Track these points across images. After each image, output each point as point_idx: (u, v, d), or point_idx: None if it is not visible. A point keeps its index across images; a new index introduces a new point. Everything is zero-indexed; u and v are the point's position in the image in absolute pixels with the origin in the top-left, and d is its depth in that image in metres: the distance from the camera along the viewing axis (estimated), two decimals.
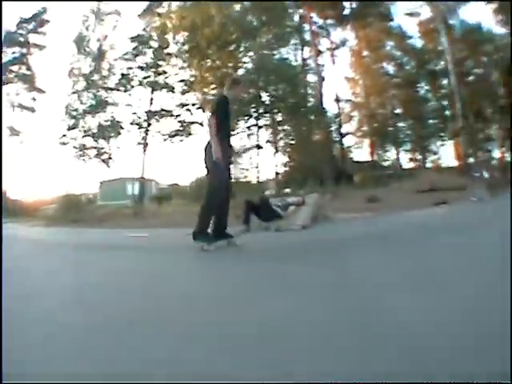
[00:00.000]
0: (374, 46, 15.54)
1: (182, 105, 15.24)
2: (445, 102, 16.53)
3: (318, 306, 1.27)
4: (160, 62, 15.80)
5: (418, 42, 17.15)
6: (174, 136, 15.10)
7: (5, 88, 17.15)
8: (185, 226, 6.49)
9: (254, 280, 1.85)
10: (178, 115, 15.22)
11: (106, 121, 16.26)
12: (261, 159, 14.64)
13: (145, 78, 15.83)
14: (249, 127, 14.39)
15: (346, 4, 16.52)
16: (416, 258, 2.09)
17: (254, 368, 0.83)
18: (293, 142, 14.66)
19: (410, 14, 17.32)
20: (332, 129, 15.57)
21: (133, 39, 16.55)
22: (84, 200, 16.93)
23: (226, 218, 3.22)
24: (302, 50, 15.82)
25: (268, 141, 14.73)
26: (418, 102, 15.72)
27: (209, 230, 3.13)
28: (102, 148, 16.08)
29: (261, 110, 14.40)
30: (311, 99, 15.11)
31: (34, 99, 18.45)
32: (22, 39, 18.17)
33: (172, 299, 1.53)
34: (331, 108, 16.17)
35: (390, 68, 16.09)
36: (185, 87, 15.37)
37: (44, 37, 19.12)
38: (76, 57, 17.84)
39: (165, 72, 15.70)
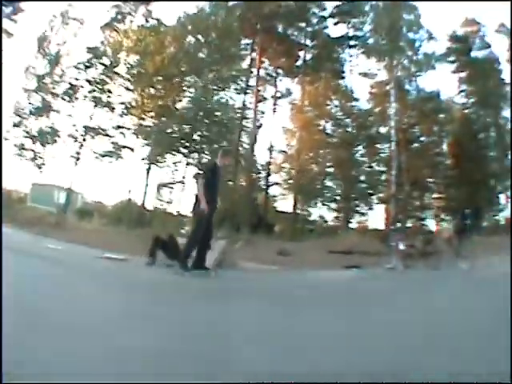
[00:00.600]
0: (317, 102, 15.61)
1: (118, 127, 15.39)
2: (381, 167, 16.67)
3: None
4: (107, 80, 15.93)
5: (364, 104, 17.27)
6: (104, 156, 15.27)
7: None
8: (99, 248, 6.98)
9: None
10: (113, 136, 15.39)
11: (47, 126, 16.45)
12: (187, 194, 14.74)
13: (90, 92, 15.98)
14: (175, 163, 14.54)
15: (301, 53, 16.68)
16: (277, 316, 2.22)
17: None
18: None
19: (365, 74, 17.38)
20: (260, 176, 15.78)
21: (89, 50, 16.68)
22: (15, 197, 17.19)
23: (205, 253, 4.15)
24: (245, 94, 15.94)
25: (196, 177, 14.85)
26: (351, 163, 15.84)
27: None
28: (39, 152, 16.30)
29: (190, 148, 14.55)
30: (245, 145, 15.30)
31: None
32: None
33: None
34: (264, 156, 16.25)
35: (329, 126, 16.16)
36: (124, 110, 15.50)
37: (15, 24, 19.21)
38: (35, 55, 17.98)
39: (109, 91, 15.82)
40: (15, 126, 16.84)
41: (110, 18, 17.54)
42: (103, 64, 16.07)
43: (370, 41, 17.83)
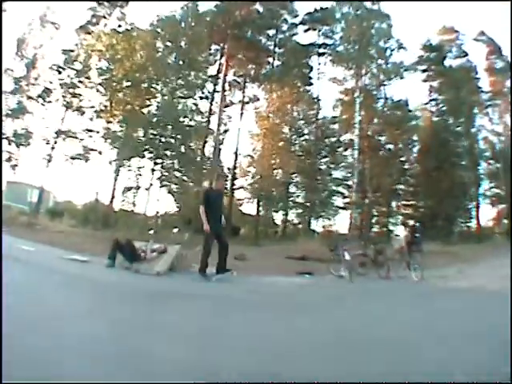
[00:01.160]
0: (282, 110, 15.98)
1: (88, 130, 15.89)
2: (346, 174, 17.06)
3: None
4: (78, 84, 16.39)
5: (330, 112, 17.56)
6: (74, 158, 15.79)
7: None
8: (67, 249, 7.59)
9: None
10: (82, 139, 15.88)
11: (22, 128, 16.98)
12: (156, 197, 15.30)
13: (63, 96, 16.46)
14: (139, 168, 15.04)
15: (269, 60, 16.99)
16: (207, 316, 2.58)
17: None
18: (179, 187, 15.29)
19: (334, 79, 17.69)
20: (226, 180, 16.18)
21: (63, 52, 17.15)
22: None
23: (225, 259, 5.34)
24: (213, 99, 16.35)
25: (160, 181, 15.37)
26: (313, 171, 16.24)
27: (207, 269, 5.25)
28: (13, 153, 16.85)
29: (155, 153, 15.02)
30: (210, 148, 15.75)
31: None
32: None
33: None
34: (230, 160, 16.68)
35: (292, 133, 16.52)
36: (94, 114, 15.98)
37: None
38: (13, 57, 18.46)
39: (80, 95, 16.29)
40: None
41: (85, 20, 18.01)
42: (75, 69, 16.52)
43: (340, 48, 18.15)
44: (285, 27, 17.92)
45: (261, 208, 16.12)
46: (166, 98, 15.34)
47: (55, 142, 16.22)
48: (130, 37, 16.42)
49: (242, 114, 16.97)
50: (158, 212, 15.63)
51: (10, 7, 21.16)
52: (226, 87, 16.71)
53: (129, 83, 15.71)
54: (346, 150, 16.93)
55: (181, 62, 15.97)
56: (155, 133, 14.94)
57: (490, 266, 7.92)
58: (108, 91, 15.88)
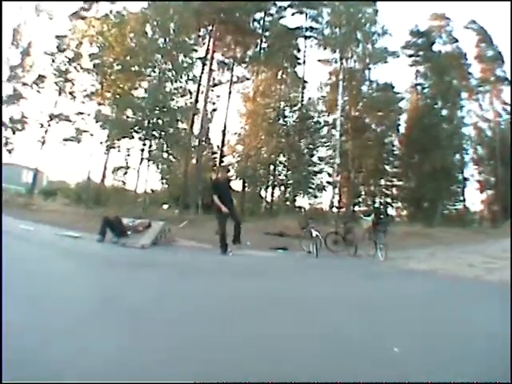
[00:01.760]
0: (267, 91, 16.44)
1: (80, 113, 16.49)
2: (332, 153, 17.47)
3: None
4: (71, 69, 16.99)
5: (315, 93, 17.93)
6: (67, 140, 16.42)
7: None
8: (62, 227, 8.31)
9: None
10: (75, 122, 16.49)
11: (17, 114, 17.64)
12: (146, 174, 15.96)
13: (55, 83, 17.08)
14: (128, 149, 15.64)
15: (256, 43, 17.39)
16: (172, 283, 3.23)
17: None
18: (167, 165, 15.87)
19: (321, 60, 18.07)
20: (215, 157, 16.72)
21: (57, 37, 17.75)
22: None
23: (239, 232, 6.26)
24: (200, 79, 16.83)
25: (149, 159, 15.93)
26: (297, 151, 16.72)
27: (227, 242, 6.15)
28: (9, 138, 17.53)
29: (143, 134, 15.60)
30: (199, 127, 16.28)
31: None
32: None
33: None
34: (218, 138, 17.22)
35: (277, 114, 16.97)
36: (86, 97, 16.57)
37: None
38: (8, 46, 19.08)
39: (72, 79, 16.89)
40: None
41: (78, 7, 18.56)
42: (67, 57, 17.11)
43: (327, 32, 18.49)
44: (273, 10, 18.29)
45: (246, 185, 16.66)
46: (154, 81, 15.85)
47: (49, 125, 16.88)
48: (121, 22, 16.92)
49: (230, 92, 17.47)
50: (146, 190, 16.24)
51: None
52: (215, 67, 17.18)
53: (119, 67, 16.24)
54: (329, 131, 17.34)
55: (169, 47, 16.43)
56: (143, 114, 15.47)
57: (464, 252, 7.90)
58: (99, 75, 16.43)
